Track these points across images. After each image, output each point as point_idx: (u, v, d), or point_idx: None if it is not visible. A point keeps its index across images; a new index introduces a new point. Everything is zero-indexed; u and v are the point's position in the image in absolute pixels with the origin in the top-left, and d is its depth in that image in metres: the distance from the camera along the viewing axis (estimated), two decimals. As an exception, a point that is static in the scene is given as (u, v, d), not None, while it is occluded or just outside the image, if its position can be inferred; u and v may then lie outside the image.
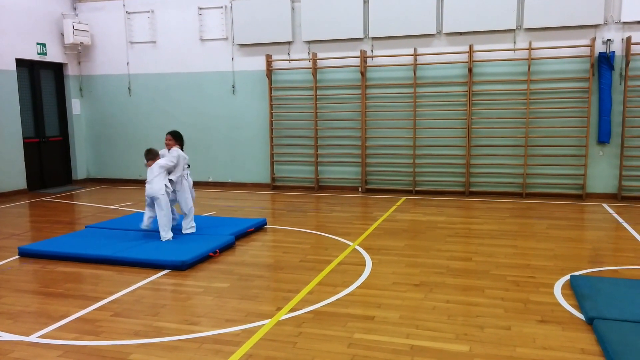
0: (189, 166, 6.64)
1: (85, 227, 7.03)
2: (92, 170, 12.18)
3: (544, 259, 5.51)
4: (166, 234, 6.06)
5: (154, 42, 11.29)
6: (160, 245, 5.86)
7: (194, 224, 6.50)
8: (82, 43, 11.34)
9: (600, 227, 7.16)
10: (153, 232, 6.31)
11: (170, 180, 6.25)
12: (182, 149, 6.52)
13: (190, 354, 3.45)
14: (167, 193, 6.14)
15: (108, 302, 4.41)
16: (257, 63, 10.62)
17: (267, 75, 10.47)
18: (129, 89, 11.60)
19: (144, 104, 11.55)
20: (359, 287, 4.70)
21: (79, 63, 11.86)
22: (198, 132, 11.15)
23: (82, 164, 12.08)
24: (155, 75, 11.39)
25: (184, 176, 6.47)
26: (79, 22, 11.29)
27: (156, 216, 6.16)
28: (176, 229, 6.42)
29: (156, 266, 5.28)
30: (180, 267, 5.19)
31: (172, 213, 6.37)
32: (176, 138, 6.56)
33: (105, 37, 11.62)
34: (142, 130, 11.52)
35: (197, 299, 4.47)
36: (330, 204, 9.02)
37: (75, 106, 11.88)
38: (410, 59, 9.72)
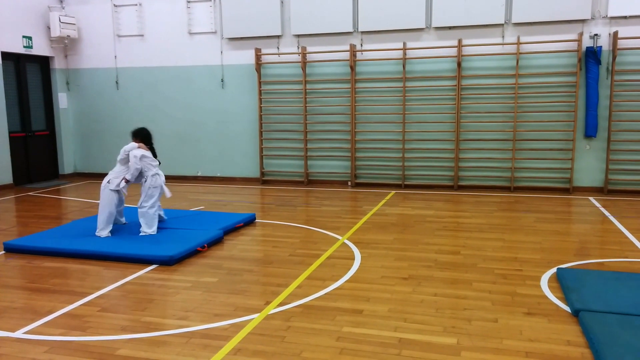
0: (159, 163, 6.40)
1: (72, 222, 6.97)
2: (79, 164, 12.08)
3: (531, 252, 5.55)
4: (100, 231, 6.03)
5: (142, 35, 11.19)
6: (148, 240, 5.83)
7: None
8: (68, 36, 11.20)
9: (587, 220, 7.23)
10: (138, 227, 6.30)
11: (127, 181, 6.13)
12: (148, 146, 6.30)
13: (178, 348, 3.44)
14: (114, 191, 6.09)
15: (95, 298, 4.38)
16: (246, 57, 10.57)
17: (256, 69, 10.43)
18: (117, 82, 11.50)
19: (132, 98, 11.45)
20: (347, 281, 4.71)
21: (66, 56, 11.72)
22: (187, 127, 11.10)
23: (69, 159, 11.97)
24: (143, 69, 11.29)
25: (157, 173, 6.21)
26: (65, 15, 11.15)
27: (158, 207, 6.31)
28: (163, 225, 6.41)
29: (144, 261, 5.25)
30: (168, 262, 5.16)
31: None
32: (134, 136, 6.31)
33: (92, 30, 11.48)
34: (130, 124, 11.26)
35: (185, 294, 4.45)
36: (320, 198, 9.02)
37: (62, 100, 11.76)
38: (399, 53, 9.73)
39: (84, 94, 11.80)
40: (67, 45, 11.56)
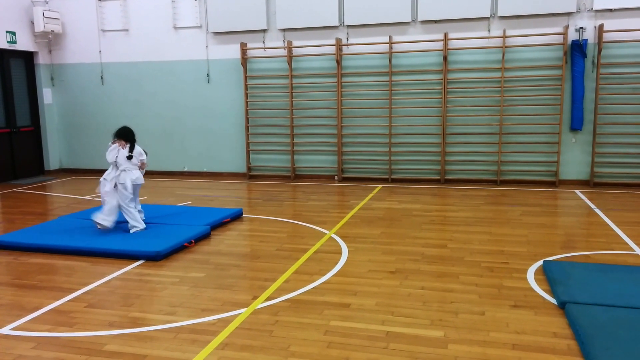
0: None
1: (58, 217, 6.90)
2: (64, 160, 11.94)
3: (517, 245, 5.60)
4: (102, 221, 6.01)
5: (127, 30, 11.06)
6: (135, 236, 5.79)
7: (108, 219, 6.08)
8: (52, 31, 11.05)
9: (573, 213, 7.31)
10: (126, 223, 6.25)
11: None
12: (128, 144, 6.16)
13: (165, 343, 3.42)
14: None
15: (82, 293, 4.34)
16: (232, 51, 10.51)
17: (242, 64, 10.37)
18: (102, 77, 11.37)
19: (117, 93, 11.33)
20: (335, 275, 4.71)
21: (50, 51, 11.56)
22: (172, 122, 11.02)
23: (55, 155, 11.83)
24: (128, 64, 11.18)
25: (124, 170, 6.11)
26: (49, 10, 10.98)
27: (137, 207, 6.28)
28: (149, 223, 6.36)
29: (130, 257, 5.21)
30: (154, 257, 5.13)
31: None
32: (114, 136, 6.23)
33: (76, 25, 11.33)
34: (115, 119, 11.28)
35: (172, 289, 4.43)
36: (307, 192, 9.01)
37: (47, 95, 11.61)
38: (385, 47, 9.72)
39: (68, 90, 11.65)
40: (52, 40, 11.40)
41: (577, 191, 8.70)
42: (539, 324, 3.64)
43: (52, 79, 11.66)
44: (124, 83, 11.26)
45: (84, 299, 4.23)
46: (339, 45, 9.79)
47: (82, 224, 6.29)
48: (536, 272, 4.69)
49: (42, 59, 11.43)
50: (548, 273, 4.48)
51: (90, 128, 11.58)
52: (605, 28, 8.68)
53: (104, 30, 11.19)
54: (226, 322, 3.73)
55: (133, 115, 11.10)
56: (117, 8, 11.02)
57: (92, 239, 5.63)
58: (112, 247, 5.35)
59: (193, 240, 5.69)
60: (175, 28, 10.78)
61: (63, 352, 3.33)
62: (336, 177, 10.28)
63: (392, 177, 10.00)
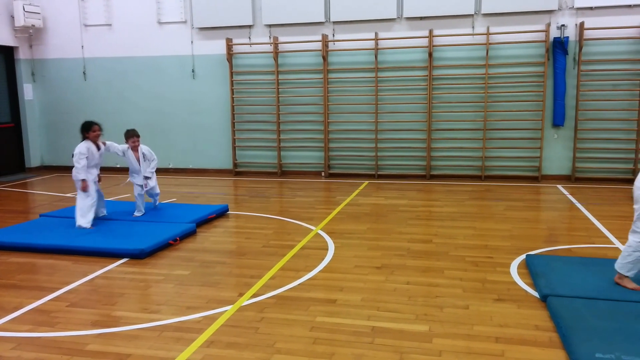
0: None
1: (40, 215, 6.81)
2: (46, 157, 11.78)
3: (501, 239, 5.65)
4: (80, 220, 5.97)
5: (110, 25, 10.93)
6: (118, 233, 5.73)
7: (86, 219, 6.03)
8: (33, 26, 10.87)
9: (555, 208, 7.40)
10: (109, 220, 6.20)
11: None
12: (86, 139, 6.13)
13: (149, 342, 3.40)
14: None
15: (64, 293, 4.29)
16: (217, 47, 10.44)
17: (227, 60, 10.31)
18: (84, 73, 11.22)
19: (100, 89, 11.20)
20: (321, 271, 4.72)
21: (31, 46, 11.38)
22: (157, 118, 10.92)
23: (36, 152, 11.67)
24: (112, 59, 11.05)
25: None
26: (29, 4, 10.79)
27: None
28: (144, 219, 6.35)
29: (114, 255, 5.16)
30: (138, 255, 5.08)
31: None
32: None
33: (58, 20, 11.17)
34: (99, 115, 11.09)
35: (157, 287, 4.40)
36: (293, 189, 9.00)
37: (28, 91, 11.43)
38: (371, 44, 9.73)
39: (50, 85, 11.49)
40: (32, 35, 11.22)
41: (559, 186, 8.80)
42: (522, 317, 3.68)
43: (32, 74, 11.48)
44: (107, 79, 11.13)
45: (65, 298, 4.18)
46: (325, 41, 9.78)
47: (64, 222, 6.21)
48: (519, 266, 4.74)
49: (22, 54, 11.25)
50: (531, 267, 4.53)
51: (72, 124, 11.38)
52: (586, 26, 8.78)
53: (86, 25, 11.05)
54: (211, 319, 3.72)
55: (116, 112, 10.98)
56: (100, 2, 10.88)
57: (75, 237, 5.56)
58: (95, 245, 5.29)
59: (178, 238, 5.65)
60: (160, 23, 10.68)
61: (44, 353, 3.29)
62: (323, 173, 10.28)
63: (379, 173, 10.03)
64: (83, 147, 6.06)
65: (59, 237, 5.57)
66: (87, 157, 6.03)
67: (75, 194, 6.18)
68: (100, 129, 6.17)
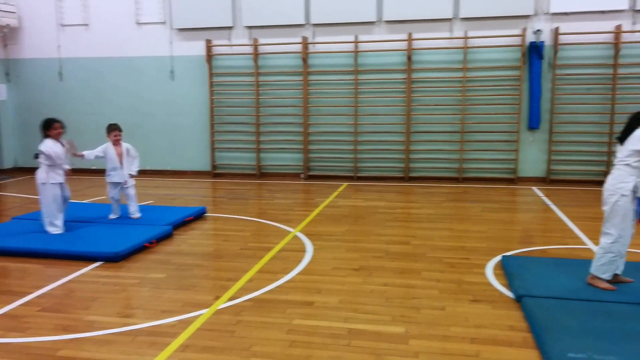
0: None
1: (12, 218, 6.67)
2: (20, 159, 11.55)
3: (477, 240, 5.71)
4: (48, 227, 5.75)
5: (87, 25, 10.79)
6: (92, 236, 5.63)
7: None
8: (8, 25, 10.67)
9: (530, 210, 7.50)
10: (83, 223, 6.09)
11: None
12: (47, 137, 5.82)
13: (122, 347, 3.34)
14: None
15: (35, 297, 4.20)
16: (197, 48, 10.36)
17: (207, 61, 10.24)
18: (60, 73, 11.04)
19: (77, 90, 11.03)
20: (299, 273, 4.70)
21: (5, 46, 11.16)
22: (135, 119, 10.78)
23: (10, 153, 11.43)
24: (89, 60, 10.89)
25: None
26: (5, 3, 10.60)
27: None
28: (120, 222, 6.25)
29: (88, 258, 5.06)
30: (113, 258, 5.00)
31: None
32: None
33: (33, 19, 10.98)
34: (75, 116, 10.98)
35: (131, 291, 4.34)
36: (272, 191, 8.98)
37: (2, 92, 11.20)
38: (351, 46, 9.76)
39: (25, 86, 11.27)
40: (7, 34, 11.00)
41: (534, 188, 8.93)
42: (497, 318, 3.72)
43: (7, 74, 11.26)
44: (84, 79, 10.96)
45: (37, 302, 4.09)
46: (305, 43, 9.78)
47: (36, 225, 6.07)
48: (495, 267, 4.79)
49: (-4, 54, 11.04)
50: (506, 268, 4.58)
51: (47, 125, 11.21)
52: (561, 31, 8.94)
53: (63, 25, 10.88)
54: (187, 323, 3.67)
55: (93, 113, 10.83)
56: (76, 2, 10.73)
57: (47, 241, 5.45)
58: (68, 249, 5.18)
59: (154, 240, 5.58)
60: (138, 23, 10.56)
61: (14, 359, 3.21)
62: (302, 175, 10.27)
63: (358, 174, 10.05)
64: (49, 145, 5.73)
65: (31, 240, 5.45)
66: (52, 157, 5.70)
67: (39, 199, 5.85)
68: (62, 127, 5.84)
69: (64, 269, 4.87)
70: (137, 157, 6.54)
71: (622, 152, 3.95)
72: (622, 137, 3.99)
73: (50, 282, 4.54)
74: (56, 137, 5.85)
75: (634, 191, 3.90)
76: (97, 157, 6.35)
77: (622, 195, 3.89)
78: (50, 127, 5.81)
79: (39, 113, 11.14)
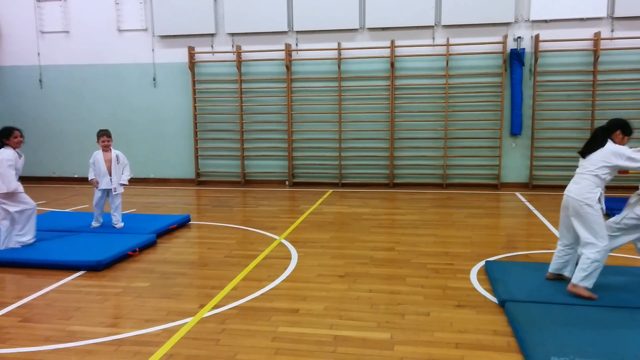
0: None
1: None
2: (0, 168, 11.35)
3: (461, 246, 5.75)
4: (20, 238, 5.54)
5: (67, 32, 10.69)
6: (75, 245, 5.55)
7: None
8: (-15, 31, 10.53)
9: (514, 215, 7.58)
10: (64, 232, 6.01)
11: None
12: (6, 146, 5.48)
13: (106, 357, 3.29)
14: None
15: (16, 308, 4.12)
16: (179, 55, 10.33)
17: (189, 68, 10.21)
18: (40, 81, 10.92)
19: (57, 97, 10.91)
20: (284, 280, 4.69)
21: (-17, 53, 11.01)
22: (117, 127, 10.59)
23: (-11, 162, 11.22)
24: (69, 67, 10.78)
25: None
26: (-19, 9, 10.47)
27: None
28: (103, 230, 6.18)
29: (70, 267, 4.99)
30: (95, 267, 4.94)
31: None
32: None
33: (13, 26, 10.85)
34: (56, 124, 10.90)
35: (114, 300, 4.28)
36: (257, 198, 8.95)
37: (-20, 99, 11.03)
38: (334, 53, 9.81)
39: (4, 94, 11.11)
40: (-15, 40, 10.86)
41: (517, 193, 9.04)
42: (481, 323, 3.74)
43: (-14, 82, 11.10)
44: (65, 87, 10.85)
45: (18, 313, 4.02)
46: (288, 50, 9.80)
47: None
48: (479, 272, 4.83)
49: (-26, 61, 10.87)
50: (490, 273, 4.62)
51: (27, 134, 10.86)
52: (541, 38, 9.09)
53: (43, 32, 10.77)
54: (171, 332, 3.64)
55: (74, 121, 10.72)
56: (57, 9, 10.63)
57: (28, 250, 5.37)
58: (49, 258, 5.11)
59: (137, 249, 5.52)
60: (120, 30, 10.50)
61: (-5, 370, 3.16)
62: (287, 182, 10.26)
63: (342, 181, 10.08)
64: (9, 154, 5.40)
65: (11, 250, 5.36)
66: (13, 166, 5.40)
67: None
68: (21, 135, 5.56)
69: (45, 278, 4.80)
70: (127, 164, 6.46)
71: (591, 162, 4.05)
72: (585, 151, 4.11)
73: (32, 292, 4.46)
74: (16, 146, 5.55)
75: (599, 201, 4.00)
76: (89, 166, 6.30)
77: (588, 205, 3.99)
78: (9, 136, 5.49)
79: (19, 121, 11.00)
